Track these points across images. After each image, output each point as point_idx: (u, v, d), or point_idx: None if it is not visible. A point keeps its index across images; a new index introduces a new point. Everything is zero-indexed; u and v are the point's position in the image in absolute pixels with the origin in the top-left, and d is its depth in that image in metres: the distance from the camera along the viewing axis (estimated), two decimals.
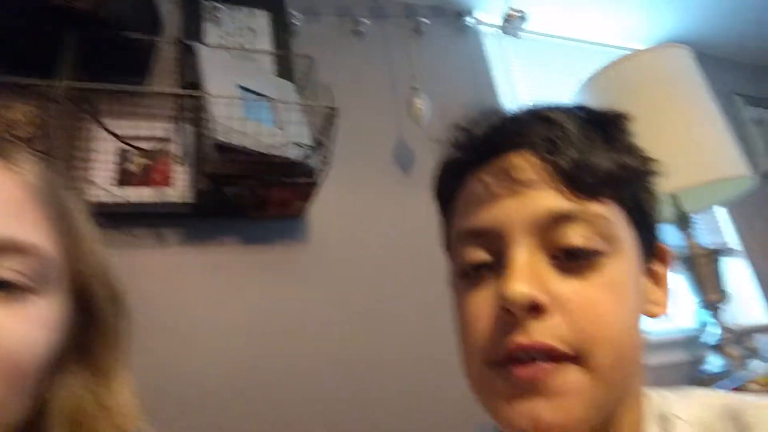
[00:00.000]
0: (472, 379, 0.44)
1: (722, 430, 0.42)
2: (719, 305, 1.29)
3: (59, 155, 0.90)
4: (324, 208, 1.16)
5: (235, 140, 0.89)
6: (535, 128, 0.43)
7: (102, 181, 0.97)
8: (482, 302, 0.43)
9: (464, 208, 0.46)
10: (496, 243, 0.43)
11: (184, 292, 1.02)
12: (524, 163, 0.43)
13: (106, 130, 0.97)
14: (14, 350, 0.35)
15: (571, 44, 1.73)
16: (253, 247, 1.10)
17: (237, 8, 1.28)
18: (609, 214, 0.42)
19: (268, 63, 1.22)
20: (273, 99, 0.98)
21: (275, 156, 0.93)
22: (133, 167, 1.04)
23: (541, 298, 0.39)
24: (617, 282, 0.41)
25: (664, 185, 1.27)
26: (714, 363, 1.26)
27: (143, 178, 1.03)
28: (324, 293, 1.11)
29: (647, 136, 1.27)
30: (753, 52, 2.05)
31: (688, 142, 1.29)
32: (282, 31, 1.29)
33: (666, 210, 1.35)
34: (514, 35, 1.30)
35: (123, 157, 1.04)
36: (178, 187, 1.02)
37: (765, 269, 1.62)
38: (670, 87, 1.33)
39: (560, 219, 0.41)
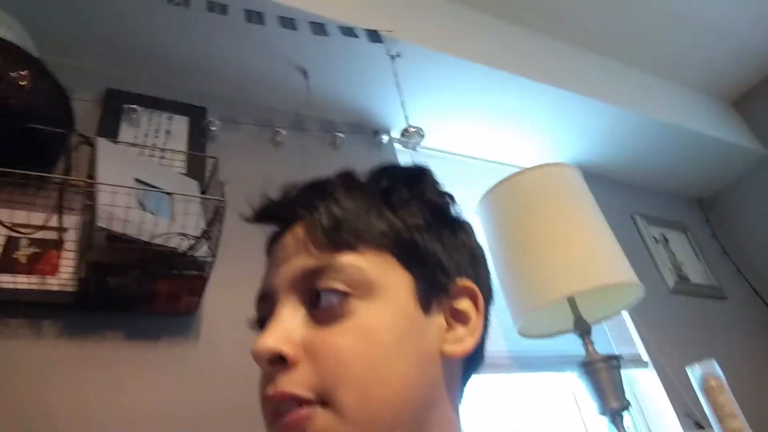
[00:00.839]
0: None
1: None
2: (620, 413, 1.29)
3: None
4: (218, 306, 1.15)
5: (118, 228, 0.90)
6: (308, 198, 0.48)
7: None
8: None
9: (263, 275, 0.51)
10: (272, 303, 0.47)
11: (59, 388, 0.97)
12: (298, 232, 0.47)
13: None
14: None
15: (470, 161, 1.88)
16: (138, 342, 1.06)
17: (158, 112, 1.36)
18: (362, 262, 0.45)
19: (179, 163, 1.27)
20: (161, 191, 1.01)
21: (158, 245, 0.94)
22: (20, 255, 1.03)
23: (286, 350, 0.42)
24: (370, 324, 0.43)
25: (560, 291, 1.32)
26: None
27: (29, 267, 1.01)
28: (213, 392, 1.06)
29: (541, 245, 1.36)
30: (646, 175, 2.26)
31: (581, 250, 1.37)
32: (199, 135, 1.36)
33: (564, 316, 1.40)
34: (413, 149, 1.40)
35: (11, 245, 1.03)
36: (62, 277, 1.00)
37: (673, 379, 1.65)
38: (561, 199, 1.44)
39: (310, 273, 0.45)
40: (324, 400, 0.41)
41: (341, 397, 0.41)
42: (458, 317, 0.49)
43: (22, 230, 1.03)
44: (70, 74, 1.22)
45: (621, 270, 1.38)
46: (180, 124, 1.36)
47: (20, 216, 1.03)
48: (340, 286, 0.44)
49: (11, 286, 0.95)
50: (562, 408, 1.59)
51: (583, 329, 1.37)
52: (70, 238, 1.05)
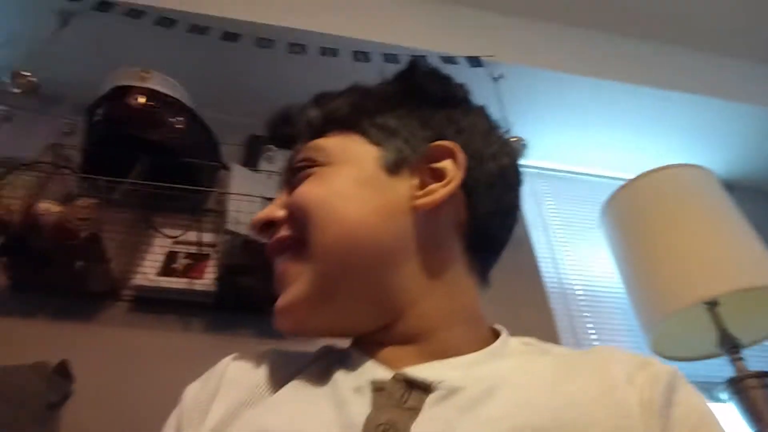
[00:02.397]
0: None
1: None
2: None
3: (113, 241, 1.13)
4: None
5: (243, 231, 1.07)
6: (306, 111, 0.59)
7: (146, 270, 1.18)
8: None
9: None
10: None
11: (199, 375, 1.13)
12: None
13: (157, 230, 1.20)
14: None
15: (584, 178, 1.82)
16: (266, 340, 1.20)
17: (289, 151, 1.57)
18: (326, 142, 0.55)
19: None
20: None
21: None
22: (177, 266, 1.25)
23: (273, 215, 0.53)
24: (327, 177, 0.52)
25: (698, 293, 1.20)
26: None
27: (183, 274, 1.23)
28: None
29: (675, 246, 1.26)
30: None
31: (721, 251, 1.25)
32: None
33: (706, 331, 1.25)
34: None
35: (170, 257, 1.26)
36: (206, 281, 1.19)
37: None
38: (697, 199, 1.34)
39: (292, 159, 0.57)
40: (300, 238, 0.51)
41: (306, 234, 0.50)
42: (436, 176, 0.52)
43: (180, 247, 1.26)
44: (222, 125, 1.50)
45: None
46: None
47: (179, 233, 1.27)
48: (305, 159, 0.54)
49: (168, 285, 1.17)
50: None
51: (729, 342, 1.22)
52: (214, 252, 1.26)
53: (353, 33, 1.48)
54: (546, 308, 1.48)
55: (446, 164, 0.52)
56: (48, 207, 1.07)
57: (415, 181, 0.53)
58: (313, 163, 0.53)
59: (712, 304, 1.23)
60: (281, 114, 0.61)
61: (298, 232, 0.51)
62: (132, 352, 1.12)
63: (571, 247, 1.65)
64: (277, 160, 1.53)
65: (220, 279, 1.15)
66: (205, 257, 1.26)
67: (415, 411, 0.43)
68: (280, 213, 0.53)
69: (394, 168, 0.52)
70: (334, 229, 0.49)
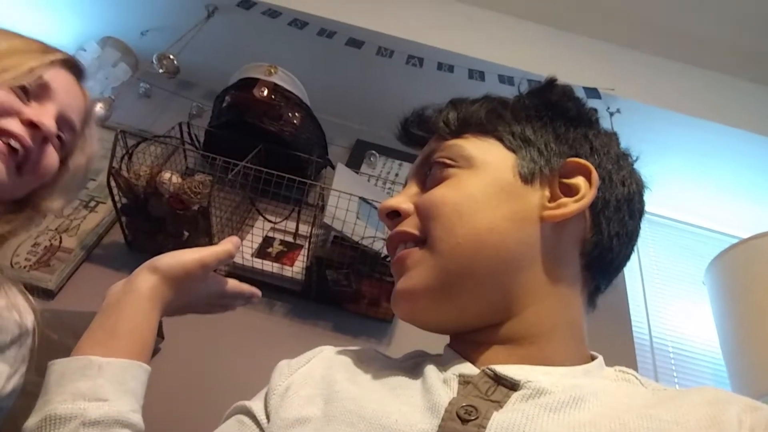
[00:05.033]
0: None
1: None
2: None
3: (220, 218, 1.22)
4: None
5: (338, 226, 1.11)
6: (435, 119, 0.61)
7: (246, 249, 1.25)
8: None
9: None
10: None
11: (278, 358, 1.18)
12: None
13: (261, 214, 1.28)
14: None
15: (693, 229, 1.69)
16: (341, 336, 1.24)
17: (391, 159, 1.61)
18: (464, 143, 0.56)
19: None
20: (376, 203, 1.20)
21: (365, 246, 1.12)
22: (271, 250, 1.32)
23: (396, 204, 0.56)
24: (463, 182, 0.53)
25: None
26: None
27: (275, 259, 1.29)
28: None
29: None
30: None
31: None
32: None
33: None
34: None
35: (267, 241, 1.33)
36: (296, 269, 1.25)
37: None
38: None
39: (426, 157, 0.58)
40: (424, 238, 0.53)
41: (432, 231, 0.52)
42: (567, 191, 0.53)
43: (277, 234, 1.33)
44: (333, 126, 1.58)
45: None
46: (407, 170, 1.59)
47: (278, 220, 1.34)
48: (443, 159, 0.55)
49: (261, 267, 1.23)
50: None
51: None
52: (307, 243, 1.31)
53: (471, 52, 1.50)
54: (631, 360, 1.40)
55: (579, 181, 0.53)
56: (170, 177, 1.18)
57: (547, 193, 0.54)
58: (451, 164, 0.55)
59: None
60: (415, 113, 0.63)
61: (424, 232, 0.53)
62: (219, 324, 1.19)
63: (667, 301, 1.55)
64: (377, 165, 1.58)
65: (309, 269, 1.20)
66: (298, 247, 1.32)
67: (500, 403, 0.44)
68: (408, 206, 0.56)
69: (529, 177, 0.53)
70: (464, 231, 0.51)
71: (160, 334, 1.12)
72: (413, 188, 0.58)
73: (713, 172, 1.58)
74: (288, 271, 1.24)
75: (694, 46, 1.60)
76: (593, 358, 0.53)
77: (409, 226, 0.55)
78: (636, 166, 0.60)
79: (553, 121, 0.57)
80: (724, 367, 1.28)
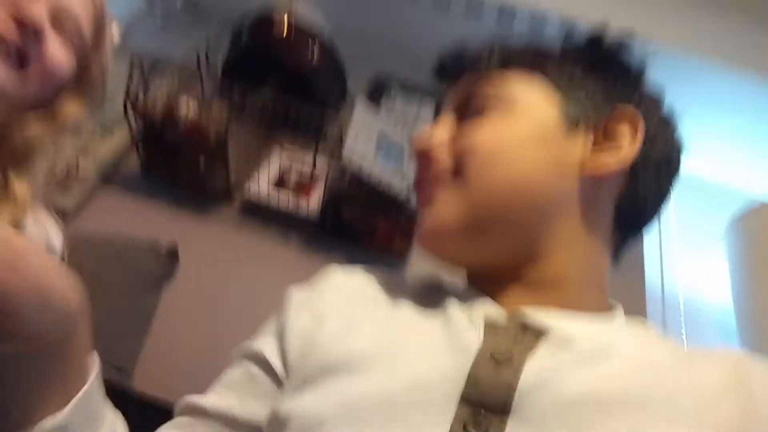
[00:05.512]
0: None
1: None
2: None
3: (237, 148, 1.20)
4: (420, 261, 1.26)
5: (356, 164, 1.09)
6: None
7: (262, 180, 1.24)
8: None
9: None
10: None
11: (287, 287, 1.20)
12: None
13: (278, 143, 1.27)
14: None
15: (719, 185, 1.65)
16: None
17: (411, 95, 1.57)
18: (508, 77, 0.53)
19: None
20: (396, 142, 1.18)
21: (382, 183, 1.10)
22: (288, 182, 1.31)
23: (437, 139, 0.54)
24: (507, 128, 0.51)
25: None
26: None
27: (293, 188, 1.28)
28: None
29: None
30: None
31: None
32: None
33: None
34: None
35: (284, 173, 1.32)
36: (312, 201, 1.24)
37: None
38: None
39: (467, 86, 0.56)
40: (456, 169, 0.52)
41: (467, 172, 0.51)
42: (612, 137, 0.51)
43: (295, 165, 1.31)
44: (352, 59, 1.52)
45: None
46: (429, 105, 1.55)
47: (295, 153, 1.33)
48: (484, 95, 0.53)
49: (278, 199, 1.23)
50: None
51: None
52: (324, 176, 1.30)
53: None
54: (641, 312, 1.40)
55: (624, 129, 0.51)
56: (186, 104, 1.16)
57: (590, 141, 0.52)
58: (492, 102, 0.53)
59: None
60: (456, 46, 0.60)
61: (459, 169, 0.52)
62: (233, 252, 1.21)
63: (684, 255, 1.54)
64: (397, 101, 1.54)
65: (325, 203, 1.19)
66: (315, 179, 1.31)
67: (532, 349, 0.43)
68: (443, 139, 0.54)
69: (574, 123, 0.52)
70: (500, 178, 0.50)
71: (175, 257, 1.13)
72: (449, 121, 0.56)
73: (746, 128, 1.52)
74: (304, 204, 1.23)
75: None
76: (612, 308, 0.53)
77: (441, 156, 0.53)
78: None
79: (604, 68, 0.54)
80: (733, 325, 1.28)
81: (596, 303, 0.52)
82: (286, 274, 1.24)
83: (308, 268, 1.24)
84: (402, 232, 1.20)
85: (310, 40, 1.34)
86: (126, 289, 1.05)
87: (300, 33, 1.33)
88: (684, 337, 1.41)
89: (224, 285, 1.15)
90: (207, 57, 1.38)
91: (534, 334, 0.44)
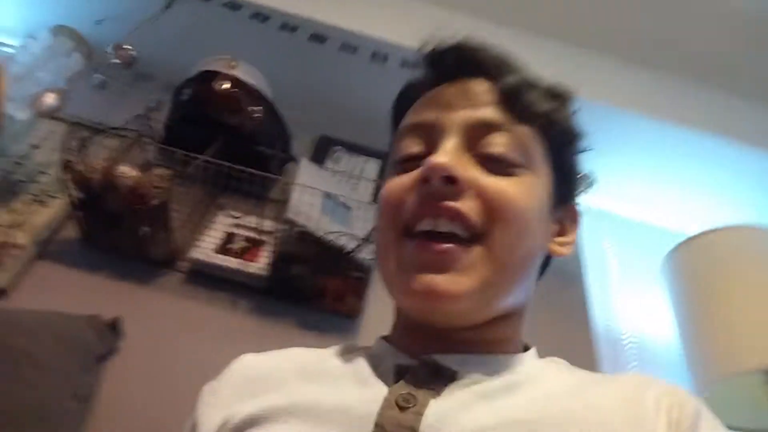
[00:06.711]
0: (381, 252, 0.51)
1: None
2: None
3: (180, 213, 1.18)
4: (378, 315, 1.26)
5: (301, 221, 1.09)
6: (490, 58, 0.54)
7: (205, 246, 1.22)
8: (405, 180, 0.49)
9: (414, 109, 0.54)
10: (433, 136, 0.50)
11: (238, 353, 1.16)
12: (479, 88, 0.52)
13: (221, 209, 1.25)
14: None
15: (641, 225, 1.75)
16: (306, 333, 1.22)
17: (356, 155, 1.60)
18: (531, 138, 0.51)
19: (367, 196, 1.46)
20: (340, 198, 1.20)
21: (330, 242, 1.11)
22: (234, 247, 1.29)
23: (461, 173, 0.46)
24: (530, 189, 0.49)
25: (759, 359, 1.15)
26: None
27: (238, 256, 1.26)
28: None
29: (740, 307, 1.21)
30: None
31: None
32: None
33: (762, 401, 1.18)
34: None
35: (229, 237, 1.30)
36: (259, 265, 1.22)
37: None
38: (764, 262, 1.27)
39: (491, 127, 0.50)
40: (482, 234, 0.46)
41: (499, 232, 0.46)
42: (562, 229, 0.56)
43: (240, 230, 1.30)
44: (295, 122, 1.55)
45: None
46: (373, 165, 1.58)
47: (240, 216, 1.31)
48: (516, 151, 0.50)
49: (223, 263, 1.20)
50: None
51: None
52: (271, 239, 1.29)
53: None
54: (590, 352, 1.43)
55: (573, 228, 0.58)
56: (127, 170, 1.14)
57: (556, 226, 0.56)
58: (520, 162, 0.50)
59: None
60: (457, 42, 0.55)
61: (484, 227, 0.46)
62: (180, 321, 1.16)
63: (625, 295, 1.59)
64: (342, 161, 1.57)
65: (273, 265, 1.18)
66: (262, 243, 1.30)
67: (437, 392, 0.45)
68: (468, 176, 0.47)
69: (556, 203, 0.54)
70: (526, 244, 0.49)
71: (118, 332, 1.08)
72: (460, 153, 0.48)
73: (669, 171, 1.63)
74: (251, 268, 1.21)
75: (651, 47, 1.65)
76: (526, 349, 0.56)
77: (471, 211, 0.46)
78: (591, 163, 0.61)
79: (575, 151, 0.58)
80: (680, 357, 1.33)
81: (511, 344, 0.54)
82: (235, 341, 1.22)
83: (257, 333, 1.23)
84: (352, 291, 1.19)
85: (252, 101, 1.36)
86: (63, 368, 0.99)
87: (242, 94, 1.35)
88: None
89: (172, 356, 1.10)
90: (148, 120, 1.38)
91: (445, 379, 0.46)
